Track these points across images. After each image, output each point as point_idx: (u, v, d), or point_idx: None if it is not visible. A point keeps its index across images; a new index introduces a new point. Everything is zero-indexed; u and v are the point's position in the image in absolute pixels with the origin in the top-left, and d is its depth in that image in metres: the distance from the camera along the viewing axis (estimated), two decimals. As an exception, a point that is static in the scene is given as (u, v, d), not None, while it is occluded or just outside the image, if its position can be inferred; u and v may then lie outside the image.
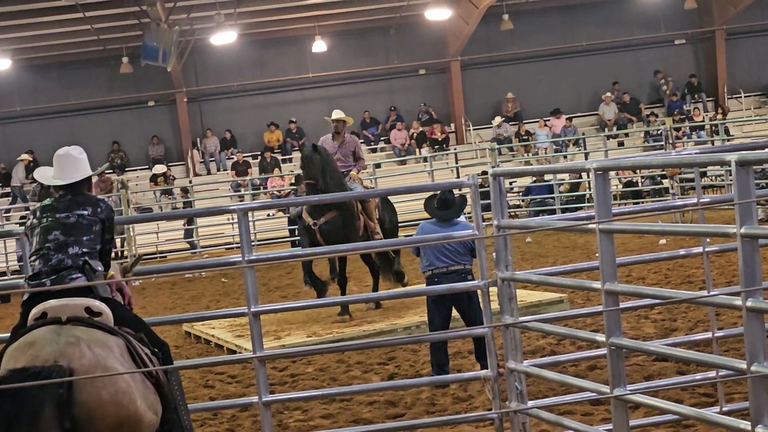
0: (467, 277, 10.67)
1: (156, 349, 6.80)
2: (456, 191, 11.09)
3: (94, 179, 7.48)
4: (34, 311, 6.56)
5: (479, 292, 8.98)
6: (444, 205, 10.80)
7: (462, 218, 11.13)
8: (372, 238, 14.85)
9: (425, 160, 31.51)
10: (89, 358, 6.22)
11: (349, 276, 20.44)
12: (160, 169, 33.56)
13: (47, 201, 7.07)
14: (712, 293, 6.73)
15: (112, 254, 7.30)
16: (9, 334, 6.78)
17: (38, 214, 6.97)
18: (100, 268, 6.87)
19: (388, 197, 15.83)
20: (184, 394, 6.99)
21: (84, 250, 6.81)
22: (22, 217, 27.52)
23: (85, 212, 6.93)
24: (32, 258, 6.86)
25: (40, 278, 6.71)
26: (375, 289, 15.66)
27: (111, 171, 31.51)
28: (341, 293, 15.24)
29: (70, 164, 7.11)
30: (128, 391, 6.28)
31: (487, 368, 8.79)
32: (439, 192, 10.98)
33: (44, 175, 7.23)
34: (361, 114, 36.48)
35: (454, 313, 11.00)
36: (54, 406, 5.99)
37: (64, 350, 6.20)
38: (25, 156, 33.26)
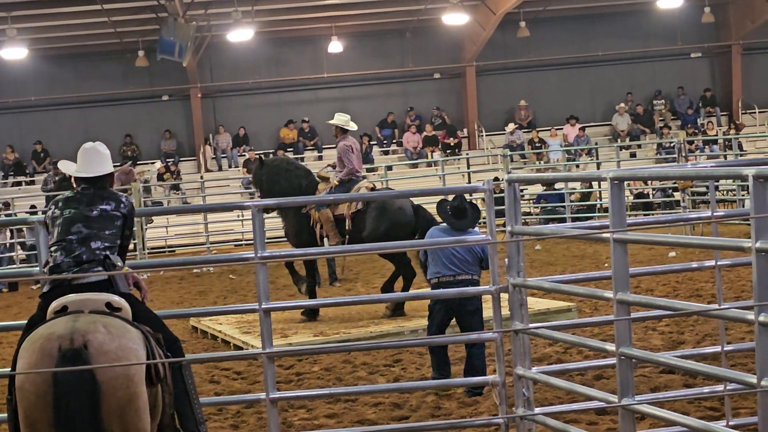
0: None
1: (170, 353, 6.81)
2: (467, 196, 10.94)
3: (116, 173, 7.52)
4: (54, 305, 6.56)
5: (490, 297, 8.97)
6: (459, 213, 10.51)
7: (476, 228, 11.00)
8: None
9: (437, 164, 31.53)
10: (104, 333, 6.27)
11: (356, 277, 20.53)
12: (159, 166, 33.78)
13: (69, 193, 7.07)
14: (724, 307, 6.72)
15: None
16: (25, 324, 6.81)
17: (60, 205, 6.97)
18: (119, 264, 6.87)
19: (388, 205, 14.97)
20: (196, 388, 7.01)
21: (106, 244, 6.82)
22: (32, 206, 27.57)
23: (108, 207, 6.94)
24: (53, 248, 6.84)
25: (61, 270, 6.71)
26: (406, 290, 15.10)
27: (132, 164, 31.40)
28: (309, 297, 15.30)
29: (96, 158, 7.10)
30: (139, 371, 6.31)
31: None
32: (451, 198, 10.74)
33: (68, 168, 7.23)
34: (379, 116, 36.59)
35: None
36: (80, 387, 6.12)
37: (79, 327, 6.24)
38: None
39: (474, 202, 11.01)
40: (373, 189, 15.61)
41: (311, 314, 14.71)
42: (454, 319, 10.75)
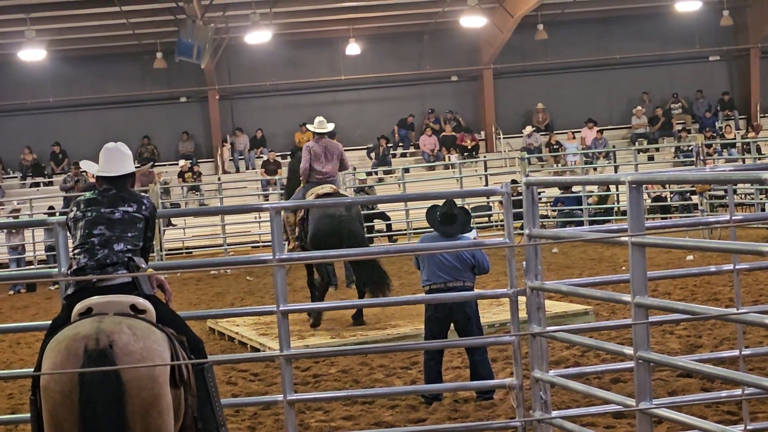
0: None
1: (193, 356, 6.82)
2: (459, 201, 10.70)
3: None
4: (79, 307, 6.58)
5: (494, 301, 8.95)
6: (447, 220, 10.30)
7: (473, 233, 10.86)
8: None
9: (454, 166, 31.53)
10: (128, 334, 6.31)
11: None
12: (182, 164, 33.89)
13: (90, 194, 7.07)
14: (742, 311, 6.70)
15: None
16: (46, 324, 6.83)
17: (82, 206, 6.97)
18: (143, 266, 6.89)
19: (319, 214, 14.64)
20: (218, 390, 7.02)
21: (129, 246, 6.84)
22: (50, 207, 27.65)
23: (130, 209, 6.95)
24: (76, 251, 6.86)
25: (85, 273, 6.73)
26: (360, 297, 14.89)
27: (152, 165, 31.43)
28: (311, 300, 15.28)
29: (119, 158, 7.12)
30: (164, 372, 6.34)
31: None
32: (442, 202, 10.44)
33: (90, 167, 7.25)
34: (396, 119, 36.78)
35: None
36: (106, 387, 6.16)
37: (104, 327, 6.28)
38: None
39: (466, 206, 10.82)
40: (325, 195, 14.97)
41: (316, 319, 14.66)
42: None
